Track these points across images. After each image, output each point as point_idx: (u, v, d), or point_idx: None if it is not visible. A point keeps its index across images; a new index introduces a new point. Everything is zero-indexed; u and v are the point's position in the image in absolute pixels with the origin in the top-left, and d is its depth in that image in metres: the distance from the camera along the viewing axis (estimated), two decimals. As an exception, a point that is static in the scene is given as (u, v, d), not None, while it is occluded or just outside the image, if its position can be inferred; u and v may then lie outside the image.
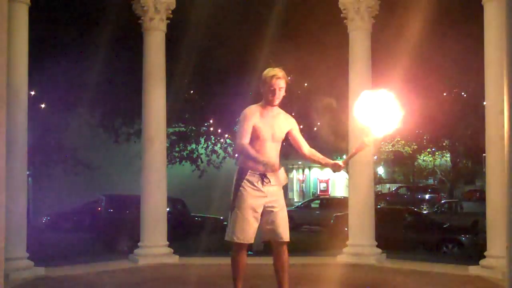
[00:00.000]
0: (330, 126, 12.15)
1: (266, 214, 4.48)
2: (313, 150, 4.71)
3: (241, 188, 4.45)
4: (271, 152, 4.50)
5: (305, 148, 4.70)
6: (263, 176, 4.42)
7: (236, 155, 4.51)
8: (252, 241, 4.52)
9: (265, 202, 4.46)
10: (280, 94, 4.51)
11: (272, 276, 4.72)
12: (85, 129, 17.84)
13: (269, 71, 4.50)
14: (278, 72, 4.48)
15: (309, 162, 36.25)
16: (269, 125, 4.50)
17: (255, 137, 4.46)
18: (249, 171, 4.45)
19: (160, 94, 7.97)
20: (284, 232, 4.50)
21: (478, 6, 7.01)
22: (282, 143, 4.68)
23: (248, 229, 4.45)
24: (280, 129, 4.56)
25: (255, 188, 4.43)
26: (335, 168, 4.54)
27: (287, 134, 4.67)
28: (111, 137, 15.52)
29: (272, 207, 4.49)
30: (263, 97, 4.56)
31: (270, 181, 4.45)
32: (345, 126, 8.29)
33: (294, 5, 9.54)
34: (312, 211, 23.68)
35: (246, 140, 4.43)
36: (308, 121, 14.87)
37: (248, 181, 4.44)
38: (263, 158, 4.36)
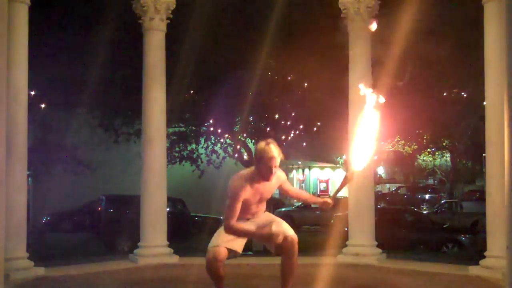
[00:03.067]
0: None
1: (262, 226, 4.62)
2: (301, 193, 5.14)
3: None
4: (256, 212, 4.70)
5: (293, 193, 4.99)
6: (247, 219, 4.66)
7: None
8: (228, 246, 4.60)
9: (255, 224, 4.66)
10: (275, 172, 4.57)
11: (272, 276, 4.73)
12: (85, 129, 17.85)
13: (267, 151, 4.46)
14: (275, 151, 4.47)
15: (309, 162, 36.24)
16: (258, 192, 4.59)
17: (242, 203, 4.52)
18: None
19: (160, 94, 7.97)
20: (289, 228, 4.64)
21: (478, 6, 7.01)
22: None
23: (227, 240, 4.61)
24: (269, 192, 4.69)
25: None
26: (325, 206, 4.70)
27: (282, 190, 4.87)
28: (111, 137, 15.53)
29: (265, 221, 4.67)
30: (257, 169, 4.53)
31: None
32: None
33: (294, 5, 9.54)
34: (312, 211, 23.66)
35: (234, 220, 4.48)
36: (308, 121, 14.89)
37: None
38: (260, 234, 4.57)
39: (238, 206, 4.47)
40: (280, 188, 4.82)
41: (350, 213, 8.06)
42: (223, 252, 4.54)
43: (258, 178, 4.54)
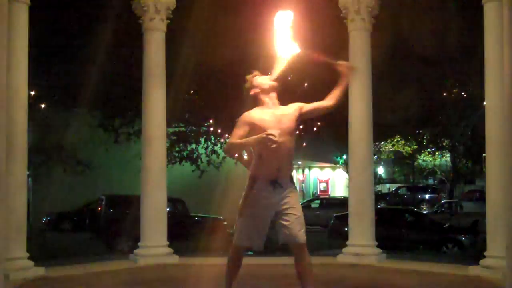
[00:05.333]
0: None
1: (281, 217, 4.29)
2: (331, 95, 4.49)
3: (250, 195, 4.30)
4: (281, 150, 4.18)
5: (326, 103, 4.47)
6: (274, 183, 4.25)
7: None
8: (260, 248, 4.42)
9: (277, 207, 4.28)
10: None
11: (273, 276, 4.72)
12: (85, 129, 17.86)
13: (252, 74, 4.53)
14: (258, 73, 4.50)
15: (309, 162, 36.22)
16: (274, 116, 4.29)
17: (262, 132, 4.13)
18: (259, 178, 4.28)
19: (160, 94, 7.97)
20: (300, 234, 4.27)
21: (478, 6, 7.01)
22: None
23: (255, 237, 4.36)
24: (289, 120, 4.31)
25: (265, 195, 4.26)
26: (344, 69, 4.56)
27: (306, 114, 4.48)
28: (111, 137, 15.53)
29: (286, 209, 4.28)
30: (261, 93, 4.44)
31: (282, 187, 4.28)
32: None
33: (294, 5, 9.53)
34: (312, 211, 23.66)
35: (232, 139, 4.29)
36: (308, 121, 14.88)
37: (259, 189, 4.27)
38: (253, 138, 4.12)
39: (240, 129, 4.22)
40: (306, 112, 4.44)
41: (350, 213, 8.06)
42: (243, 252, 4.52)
43: (266, 106, 4.35)
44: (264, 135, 4.01)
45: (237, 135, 4.24)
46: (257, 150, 4.27)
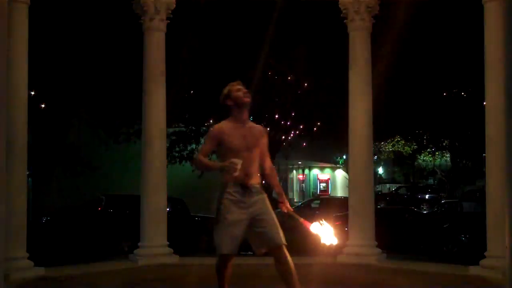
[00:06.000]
0: None
1: (255, 224, 4.40)
2: (274, 171, 4.70)
3: (223, 201, 4.42)
4: (250, 163, 4.42)
5: (268, 163, 4.66)
6: (244, 187, 4.40)
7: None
8: (236, 252, 4.45)
9: (250, 212, 4.39)
10: (248, 91, 4.59)
11: (273, 276, 4.71)
12: (85, 129, 17.86)
13: (231, 85, 4.61)
14: (240, 85, 4.59)
15: (309, 162, 36.21)
16: (241, 134, 4.47)
17: (228, 149, 4.41)
18: (231, 183, 4.41)
19: (160, 94, 7.97)
20: (277, 236, 4.38)
21: (478, 6, 7.01)
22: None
23: (231, 242, 4.39)
24: (253, 136, 4.52)
25: (237, 200, 4.39)
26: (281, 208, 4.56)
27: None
28: (111, 137, 15.53)
29: (259, 215, 4.40)
30: (234, 105, 4.54)
31: (252, 191, 4.42)
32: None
33: (294, 6, 9.55)
34: (312, 211, 23.65)
35: (199, 154, 4.52)
36: (308, 121, 14.89)
37: (230, 193, 4.41)
38: (218, 164, 4.36)
39: (209, 143, 4.47)
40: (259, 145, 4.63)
41: (350, 213, 8.06)
42: (230, 259, 4.50)
43: (236, 120, 4.52)
44: (228, 164, 4.21)
45: (206, 150, 4.52)
46: (221, 157, 4.47)
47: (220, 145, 4.46)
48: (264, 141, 4.62)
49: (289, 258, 4.42)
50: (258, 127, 4.68)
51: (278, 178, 4.71)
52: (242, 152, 4.39)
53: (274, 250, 4.41)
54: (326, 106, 13.10)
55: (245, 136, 4.47)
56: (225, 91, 4.62)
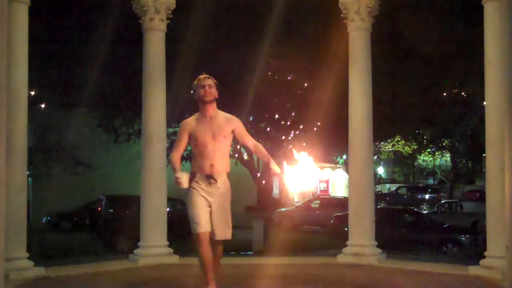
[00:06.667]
0: None
1: (210, 215, 4.87)
2: (259, 146, 5.02)
3: (191, 188, 4.86)
4: (215, 153, 4.86)
5: (250, 143, 5.02)
6: (209, 177, 4.84)
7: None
8: (208, 229, 4.83)
9: (210, 201, 4.86)
10: (212, 92, 4.92)
11: (273, 276, 4.75)
12: (85, 129, 17.87)
13: (198, 78, 5.03)
14: (204, 81, 4.97)
15: (309, 162, 36.36)
16: (208, 128, 4.88)
17: (195, 144, 4.92)
18: (197, 173, 4.89)
19: (160, 94, 7.97)
20: (219, 232, 4.86)
21: (478, 5, 7.01)
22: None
23: (201, 221, 4.81)
24: (220, 128, 4.89)
25: (203, 188, 4.86)
26: (272, 170, 4.90)
27: (234, 134, 4.99)
28: (111, 137, 15.52)
29: (214, 207, 4.87)
30: (198, 101, 4.98)
31: (216, 182, 4.86)
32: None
33: (294, 6, 9.54)
34: (312, 211, 23.66)
35: (174, 152, 4.96)
36: (308, 121, 14.89)
37: (197, 182, 4.87)
38: (175, 174, 4.77)
39: (181, 139, 4.93)
40: (235, 133, 4.98)
41: (350, 213, 8.05)
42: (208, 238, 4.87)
43: (201, 113, 4.95)
44: (174, 177, 4.75)
45: (179, 145, 4.97)
46: (192, 148, 4.97)
47: (191, 137, 4.91)
48: (234, 126, 4.95)
49: (219, 253, 5.00)
50: (224, 117, 4.99)
51: (264, 149, 5.02)
52: (207, 143, 4.85)
53: (213, 242, 4.89)
54: (326, 106, 13.10)
55: (209, 128, 4.87)
56: (194, 84, 5.02)
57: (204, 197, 4.85)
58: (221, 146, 4.89)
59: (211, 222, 4.83)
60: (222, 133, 4.88)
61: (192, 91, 5.03)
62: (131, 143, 15.58)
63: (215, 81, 4.99)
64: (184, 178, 4.74)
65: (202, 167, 4.86)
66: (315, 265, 7.80)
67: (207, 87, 4.92)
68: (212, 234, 4.85)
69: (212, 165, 4.84)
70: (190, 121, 4.96)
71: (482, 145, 7.28)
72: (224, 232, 4.88)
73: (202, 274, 4.94)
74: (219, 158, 4.88)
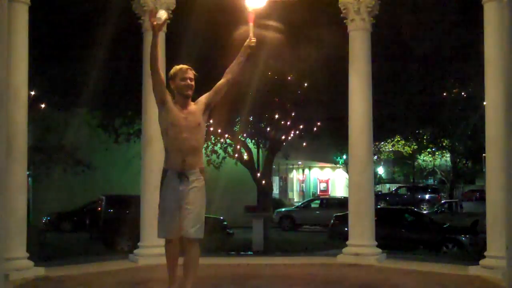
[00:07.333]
0: None
1: (180, 210, 4.55)
2: (230, 69, 4.84)
3: (162, 188, 4.65)
4: (186, 145, 4.57)
5: (223, 81, 4.82)
6: (181, 175, 4.55)
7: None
8: (175, 236, 4.59)
9: (180, 199, 4.55)
10: (193, 85, 4.70)
11: (273, 276, 4.73)
12: (85, 129, 17.86)
13: (180, 66, 4.76)
14: (187, 74, 4.71)
15: (309, 162, 36.15)
16: (183, 112, 4.63)
17: (166, 132, 4.62)
18: (169, 170, 4.60)
19: (160, 94, 7.95)
20: (190, 230, 4.51)
21: (478, 6, 7.01)
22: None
23: (165, 228, 4.61)
24: (195, 116, 4.65)
25: (173, 186, 4.57)
26: (248, 49, 4.89)
27: (213, 99, 4.79)
28: (111, 137, 15.51)
29: (186, 203, 4.54)
30: (176, 92, 4.71)
31: (188, 179, 4.56)
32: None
33: (294, 6, 9.54)
34: (312, 211, 23.68)
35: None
36: (308, 121, 14.87)
37: (169, 178, 4.60)
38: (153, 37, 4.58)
39: (164, 87, 4.66)
40: (210, 100, 4.78)
41: (350, 213, 8.06)
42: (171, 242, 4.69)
43: (177, 102, 4.67)
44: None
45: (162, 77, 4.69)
46: (164, 145, 4.67)
47: (165, 104, 4.62)
48: (202, 101, 4.74)
49: (194, 253, 4.60)
50: (198, 100, 4.75)
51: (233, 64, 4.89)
52: (183, 132, 4.56)
53: (185, 241, 4.58)
54: (326, 106, 13.09)
55: (185, 117, 4.61)
56: (171, 72, 4.75)
57: (175, 197, 4.55)
58: (197, 138, 4.64)
59: (184, 221, 4.51)
60: (195, 124, 4.63)
61: (168, 78, 4.76)
62: (131, 143, 15.56)
63: (195, 73, 4.77)
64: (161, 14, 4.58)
65: (174, 162, 4.56)
66: (315, 265, 7.80)
67: (189, 81, 4.68)
68: (183, 233, 4.53)
69: (184, 161, 4.55)
70: (172, 100, 4.69)
71: (482, 145, 7.28)
72: (196, 230, 4.54)
73: (167, 271, 4.87)
74: (192, 152, 4.60)
